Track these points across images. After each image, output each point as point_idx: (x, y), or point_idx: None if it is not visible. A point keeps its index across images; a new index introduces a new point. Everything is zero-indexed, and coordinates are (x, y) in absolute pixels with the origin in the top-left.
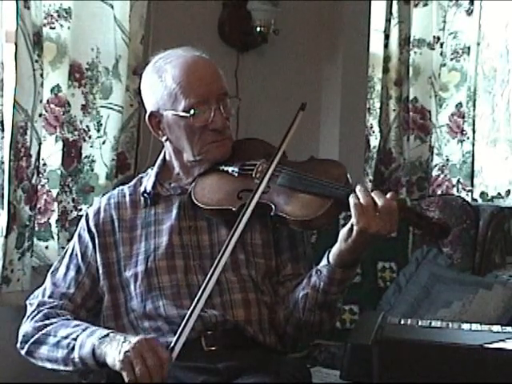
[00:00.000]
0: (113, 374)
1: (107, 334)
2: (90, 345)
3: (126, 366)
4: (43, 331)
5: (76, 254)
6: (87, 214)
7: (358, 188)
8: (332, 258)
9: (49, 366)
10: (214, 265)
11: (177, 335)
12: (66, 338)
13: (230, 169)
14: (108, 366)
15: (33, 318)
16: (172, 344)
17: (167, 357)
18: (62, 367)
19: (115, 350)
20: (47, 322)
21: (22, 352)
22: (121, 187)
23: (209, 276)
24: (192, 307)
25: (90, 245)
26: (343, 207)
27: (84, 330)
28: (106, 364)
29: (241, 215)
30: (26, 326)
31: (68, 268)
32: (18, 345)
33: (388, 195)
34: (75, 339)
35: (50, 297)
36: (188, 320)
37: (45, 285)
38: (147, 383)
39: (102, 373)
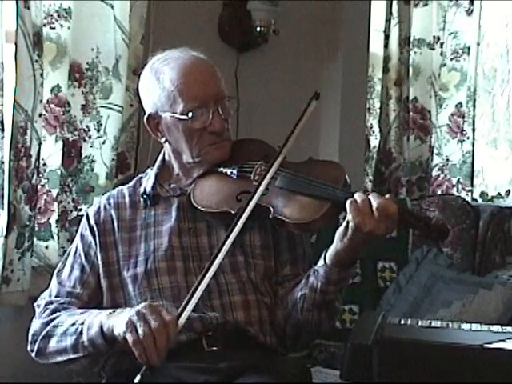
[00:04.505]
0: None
1: (114, 311)
2: (97, 323)
3: (129, 328)
4: (51, 324)
5: (79, 254)
6: (87, 214)
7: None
8: (328, 257)
9: (59, 359)
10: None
11: (183, 303)
12: (73, 324)
13: (228, 171)
14: (117, 345)
15: (40, 316)
16: (179, 311)
17: (171, 319)
18: (71, 355)
19: (122, 319)
20: (54, 315)
21: (33, 354)
22: (120, 187)
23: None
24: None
25: (93, 244)
26: (341, 209)
27: (91, 314)
28: (115, 341)
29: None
30: (34, 326)
31: (72, 268)
32: (28, 347)
33: (386, 196)
34: (82, 323)
35: (56, 296)
36: (195, 290)
37: (50, 286)
38: (151, 345)
39: (112, 358)
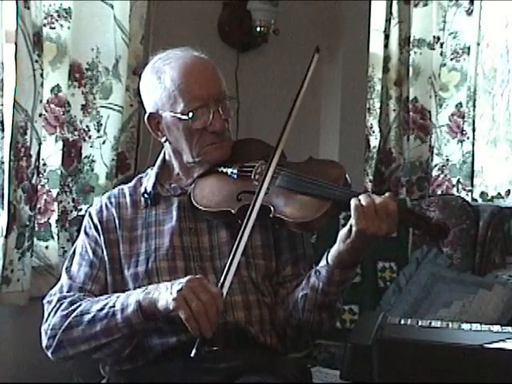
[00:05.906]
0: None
1: (146, 288)
2: (133, 302)
3: (182, 304)
4: (73, 314)
5: (86, 251)
6: (90, 213)
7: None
8: (331, 258)
9: (85, 347)
10: (223, 276)
11: (224, 273)
12: (101, 309)
13: (228, 170)
14: (154, 320)
15: (57, 310)
16: (221, 281)
17: (218, 292)
18: (103, 340)
19: (165, 292)
20: (74, 306)
21: (50, 350)
22: (121, 187)
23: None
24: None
25: (99, 240)
26: (342, 208)
27: (119, 297)
28: (154, 316)
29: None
30: (52, 320)
31: (81, 265)
32: (45, 342)
33: (386, 195)
34: (113, 306)
35: (68, 291)
36: (233, 259)
37: (60, 282)
38: (204, 318)
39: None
